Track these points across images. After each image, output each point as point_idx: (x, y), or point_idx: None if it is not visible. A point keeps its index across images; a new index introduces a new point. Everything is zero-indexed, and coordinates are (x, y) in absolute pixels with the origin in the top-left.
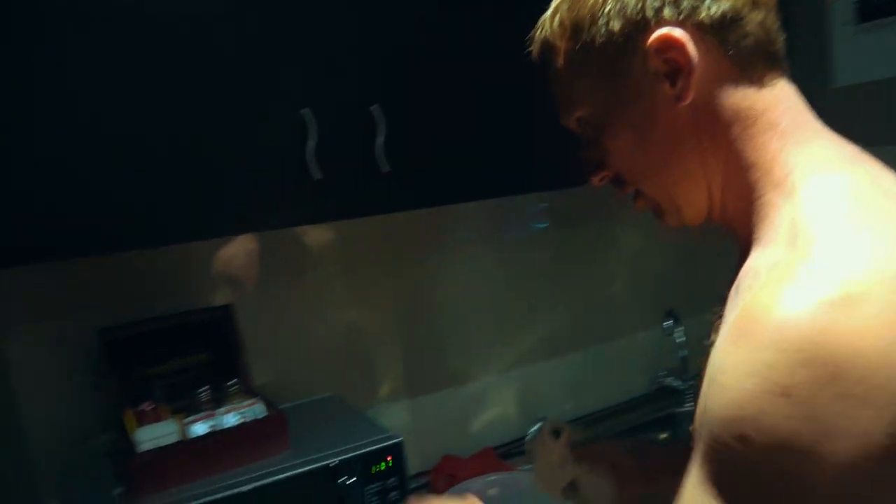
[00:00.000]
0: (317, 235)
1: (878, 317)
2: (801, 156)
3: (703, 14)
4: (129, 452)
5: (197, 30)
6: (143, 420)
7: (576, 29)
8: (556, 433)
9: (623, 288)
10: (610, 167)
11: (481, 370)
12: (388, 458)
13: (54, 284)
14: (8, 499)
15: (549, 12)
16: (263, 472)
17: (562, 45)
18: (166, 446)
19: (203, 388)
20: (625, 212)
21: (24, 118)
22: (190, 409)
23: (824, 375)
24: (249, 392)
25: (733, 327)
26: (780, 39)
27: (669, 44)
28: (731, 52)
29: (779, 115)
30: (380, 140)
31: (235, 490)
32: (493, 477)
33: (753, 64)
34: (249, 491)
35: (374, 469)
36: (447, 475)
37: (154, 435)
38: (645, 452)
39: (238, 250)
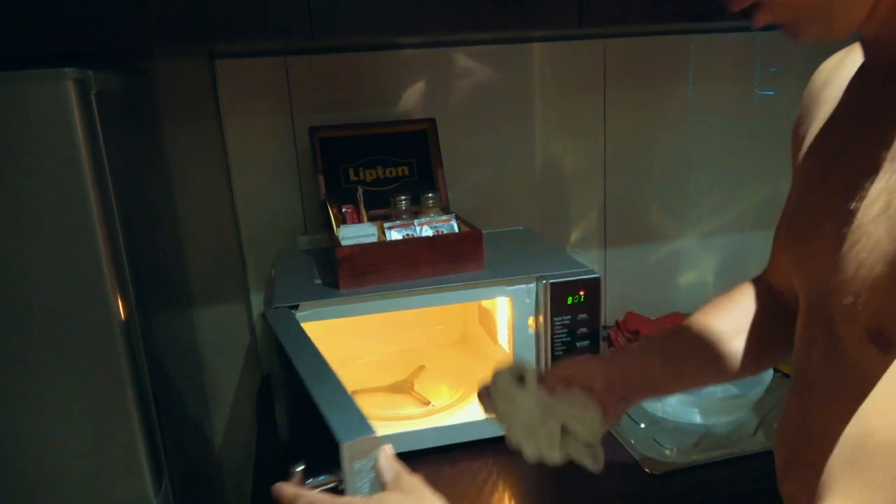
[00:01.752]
0: (533, 52)
1: None
2: None
3: None
4: (330, 246)
5: None
6: (345, 221)
7: None
8: (520, 379)
9: None
10: None
11: (684, 229)
12: (582, 293)
13: (275, 80)
14: (222, 288)
15: None
16: (458, 283)
17: None
18: (367, 244)
19: (402, 197)
20: None
21: None
22: (388, 217)
23: None
24: (445, 209)
25: None
26: None
27: None
28: None
29: None
30: None
31: (429, 296)
32: None
33: None
34: (443, 297)
35: (569, 300)
36: (631, 331)
37: (356, 234)
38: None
39: (448, 62)
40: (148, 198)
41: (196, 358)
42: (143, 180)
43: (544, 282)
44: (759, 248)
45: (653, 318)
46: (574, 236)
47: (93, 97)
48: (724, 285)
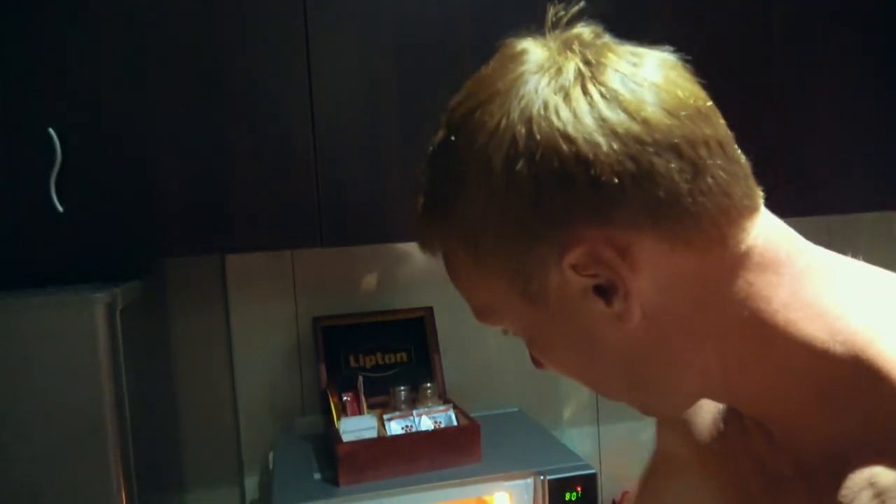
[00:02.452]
0: None
1: None
2: (845, 318)
3: (625, 207)
4: (331, 438)
5: None
6: (345, 409)
7: (458, 229)
8: None
9: None
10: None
11: None
12: (579, 489)
13: (281, 269)
14: (216, 471)
15: (422, 193)
16: (457, 480)
17: (448, 241)
18: (368, 440)
19: (401, 388)
20: None
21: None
22: (387, 405)
23: None
24: (442, 396)
25: None
26: (742, 175)
27: (591, 256)
28: (675, 238)
29: (776, 280)
30: None
31: (430, 492)
32: None
33: (721, 234)
34: (442, 494)
35: (567, 496)
36: None
37: (356, 427)
38: None
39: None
40: (153, 388)
41: None
42: (151, 373)
43: (542, 478)
44: None
45: None
46: (567, 413)
47: (118, 315)
48: None
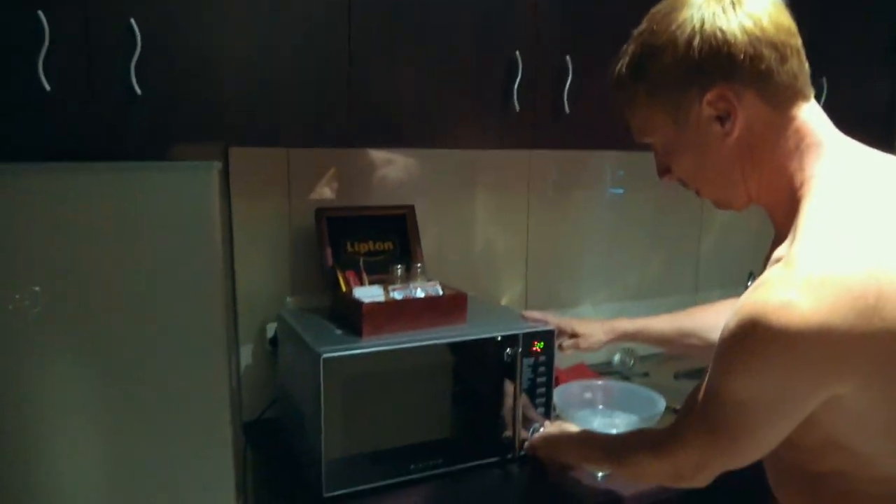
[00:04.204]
0: (484, 161)
1: (815, 313)
2: (815, 169)
3: (744, 73)
4: (346, 302)
5: None
6: (348, 284)
7: (648, 79)
8: None
9: (713, 248)
10: (674, 174)
11: (584, 299)
12: (543, 342)
13: (277, 166)
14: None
15: (626, 58)
16: (452, 334)
17: (637, 87)
18: (382, 301)
19: (398, 266)
20: None
21: None
22: (384, 282)
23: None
24: (426, 276)
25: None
26: (805, 74)
27: (721, 96)
28: (765, 97)
29: (800, 138)
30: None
31: (433, 342)
32: (587, 382)
33: (783, 102)
34: (444, 346)
35: (536, 345)
36: None
37: (368, 294)
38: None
39: (425, 163)
40: None
41: None
42: None
43: (518, 332)
44: (635, 312)
45: (564, 368)
46: (504, 300)
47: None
48: (613, 344)
